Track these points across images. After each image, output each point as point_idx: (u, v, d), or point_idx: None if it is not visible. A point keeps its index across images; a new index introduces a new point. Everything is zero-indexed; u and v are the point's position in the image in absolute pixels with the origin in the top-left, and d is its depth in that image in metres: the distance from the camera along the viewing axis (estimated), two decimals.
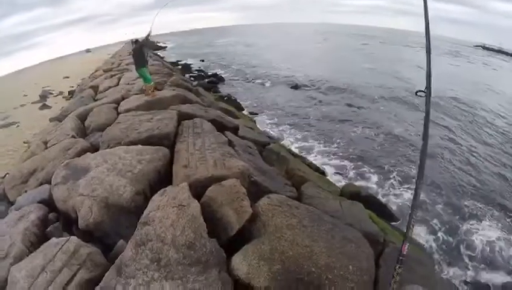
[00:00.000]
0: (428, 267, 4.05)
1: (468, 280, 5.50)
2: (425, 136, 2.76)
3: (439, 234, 6.51)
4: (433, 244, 6.24)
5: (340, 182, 7.90)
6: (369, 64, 28.88)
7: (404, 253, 2.45)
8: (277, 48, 45.94)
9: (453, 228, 6.72)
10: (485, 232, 6.62)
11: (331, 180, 7.45)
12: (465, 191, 8.11)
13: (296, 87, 19.71)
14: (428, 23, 2.97)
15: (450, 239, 6.42)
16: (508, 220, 7.10)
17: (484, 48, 68.69)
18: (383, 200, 7.32)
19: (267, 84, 21.03)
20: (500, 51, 62.17)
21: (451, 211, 7.29)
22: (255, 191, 3.96)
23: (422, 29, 3.00)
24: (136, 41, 8.71)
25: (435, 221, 6.85)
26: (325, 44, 55.70)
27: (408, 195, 7.61)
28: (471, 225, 6.86)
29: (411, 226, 2.49)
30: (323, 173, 7.85)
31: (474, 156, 10.29)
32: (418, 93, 2.90)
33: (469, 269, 5.73)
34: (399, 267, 2.45)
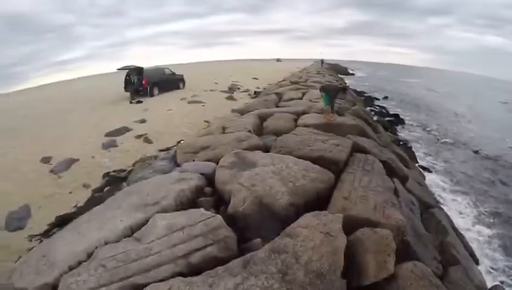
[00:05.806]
0: None
1: None
2: None
3: None
4: None
5: (490, 274, 6.80)
6: None
7: None
8: (469, 103, 40.46)
9: None
10: None
11: (481, 271, 6.22)
12: None
13: (477, 152, 17.11)
14: None
15: None
16: None
17: None
18: None
19: (447, 140, 19.25)
20: None
21: None
22: (402, 252, 3.65)
23: None
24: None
25: None
26: None
27: None
28: None
29: None
30: (477, 260, 6.59)
31: None
32: None
33: None
34: None
